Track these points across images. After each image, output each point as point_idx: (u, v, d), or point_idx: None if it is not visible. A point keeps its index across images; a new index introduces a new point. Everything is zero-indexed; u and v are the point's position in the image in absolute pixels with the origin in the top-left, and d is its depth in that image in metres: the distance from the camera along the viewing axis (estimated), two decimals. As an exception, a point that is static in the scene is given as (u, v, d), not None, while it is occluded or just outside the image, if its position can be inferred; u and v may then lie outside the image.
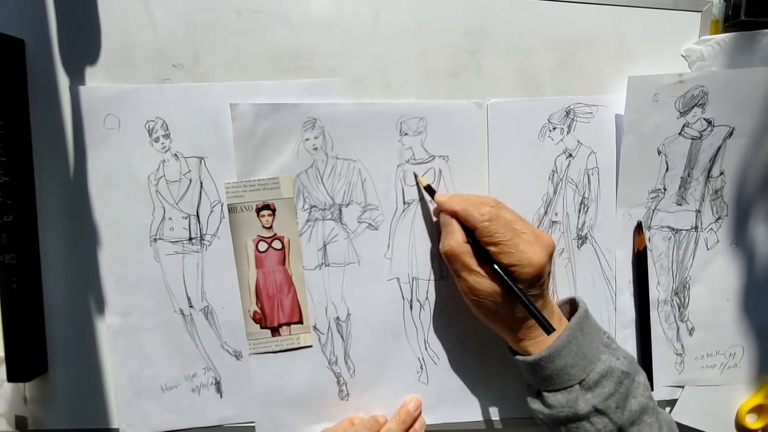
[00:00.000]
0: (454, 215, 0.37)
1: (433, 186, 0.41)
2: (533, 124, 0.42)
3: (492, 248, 0.35)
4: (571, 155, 0.43)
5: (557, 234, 0.44)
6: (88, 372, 0.42)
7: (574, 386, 0.36)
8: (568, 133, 0.43)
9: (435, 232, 0.43)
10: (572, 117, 0.43)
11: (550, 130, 0.43)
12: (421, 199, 0.42)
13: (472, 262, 0.36)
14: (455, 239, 0.37)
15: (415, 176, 0.42)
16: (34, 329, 0.40)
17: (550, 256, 0.37)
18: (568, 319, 0.38)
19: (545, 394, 0.37)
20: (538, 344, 0.37)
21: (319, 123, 0.41)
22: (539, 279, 0.36)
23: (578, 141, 0.43)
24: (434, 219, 0.43)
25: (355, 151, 0.41)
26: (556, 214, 0.44)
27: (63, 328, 0.41)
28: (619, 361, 0.37)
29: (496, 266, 0.35)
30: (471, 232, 0.37)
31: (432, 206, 0.42)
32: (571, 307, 0.40)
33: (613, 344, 0.38)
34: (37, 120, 0.40)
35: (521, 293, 0.35)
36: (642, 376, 0.38)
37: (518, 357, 0.38)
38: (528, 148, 0.43)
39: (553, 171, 0.43)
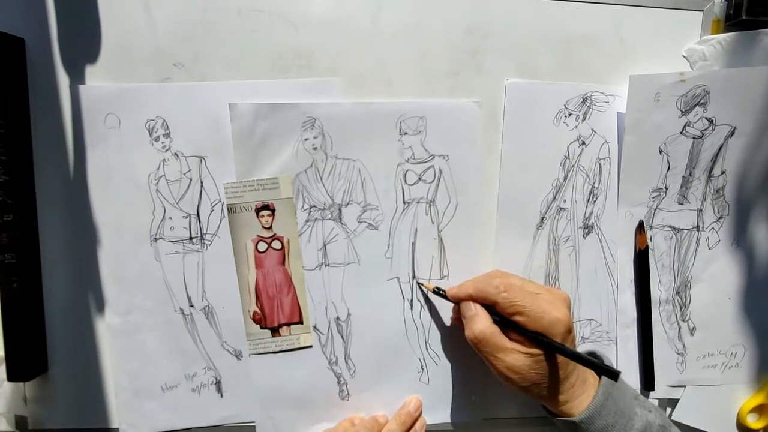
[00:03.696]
0: (471, 298, 0.38)
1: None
2: (549, 108, 0.42)
3: (519, 318, 0.36)
4: (584, 143, 0.43)
5: (564, 221, 0.44)
6: (88, 372, 0.42)
7: None
8: (583, 120, 0.43)
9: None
10: (588, 105, 0.42)
11: (565, 116, 0.42)
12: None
13: (504, 340, 0.36)
14: (482, 323, 0.36)
15: (420, 285, 0.42)
16: (34, 329, 0.40)
17: (570, 308, 0.37)
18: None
19: None
20: (578, 406, 0.36)
21: (319, 123, 0.41)
22: (569, 332, 0.36)
23: (593, 129, 0.43)
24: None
25: (354, 151, 0.41)
26: (565, 201, 0.44)
27: (63, 328, 0.41)
28: (652, 414, 0.37)
29: (532, 334, 0.35)
30: (491, 311, 0.37)
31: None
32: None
33: (639, 396, 0.39)
34: (37, 119, 0.40)
35: (564, 348, 0.35)
36: (675, 429, 0.38)
37: (559, 418, 0.37)
38: (542, 131, 0.43)
39: (565, 157, 0.43)
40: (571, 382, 0.37)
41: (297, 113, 0.40)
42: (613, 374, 0.34)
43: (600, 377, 0.37)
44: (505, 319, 0.37)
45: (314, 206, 0.42)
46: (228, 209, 0.41)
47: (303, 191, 0.41)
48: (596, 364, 0.35)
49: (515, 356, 0.36)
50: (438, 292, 0.41)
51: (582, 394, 0.37)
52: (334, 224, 0.42)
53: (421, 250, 0.43)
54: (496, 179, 0.43)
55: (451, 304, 0.42)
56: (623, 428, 0.36)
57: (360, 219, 0.42)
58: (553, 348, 0.35)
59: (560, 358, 0.36)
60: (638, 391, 0.44)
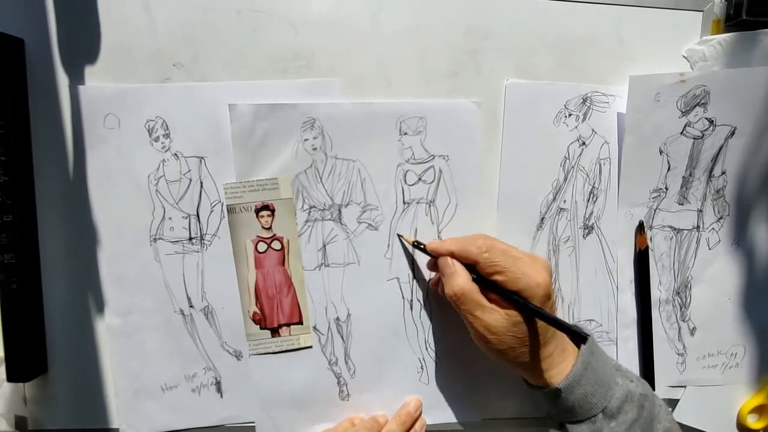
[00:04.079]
0: (451, 256, 0.37)
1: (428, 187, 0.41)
2: (549, 109, 0.42)
3: (498, 277, 0.35)
4: (584, 143, 0.43)
5: (564, 221, 0.44)
6: (88, 372, 0.42)
7: (597, 415, 0.35)
8: (583, 120, 0.43)
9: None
10: (589, 105, 0.42)
11: (565, 116, 0.42)
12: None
13: (482, 299, 0.36)
14: (461, 279, 0.36)
15: (399, 237, 0.42)
16: (34, 329, 0.40)
17: (551, 275, 0.37)
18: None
19: (569, 426, 0.37)
20: (557, 375, 0.36)
21: (318, 123, 0.40)
22: (549, 299, 0.36)
23: (593, 130, 0.43)
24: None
25: (354, 151, 0.41)
26: (565, 201, 0.44)
27: (63, 328, 0.41)
28: (634, 384, 0.37)
29: (510, 293, 0.35)
30: (471, 270, 0.37)
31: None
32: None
33: (621, 367, 0.38)
34: (37, 120, 0.40)
35: (542, 311, 0.35)
36: (659, 399, 0.38)
37: (539, 389, 0.37)
38: (542, 132, 0.43)
39: (565, 157, 0.43)
40: (549, 350, 0.36)
41: (297, 114, 0.40)
42: (582, 337, 0.34)
43: (579, 348, 0.37)
44: (483, 279, 0.36)
45: (314, 207, 0.42)
46: (228, 209, 0.41)
47: (303, 191, 0.41)
48: (567, 326, 0.34)
49: (493, 316, 0.35)
50: (418, 245, 0.40)
51: (561, 363, 0.36)
52: (334, 225, 0.42)
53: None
54: (496, 180, 0.43)
55: (448, 304, 0.42)
56: (603, 397, 0.35)
57: (360, 219, 0.42)
58: (529, 309, 0.35)
59: (539, 324, 0.35)
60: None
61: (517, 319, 0.35)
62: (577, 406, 0.36)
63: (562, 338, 0.37)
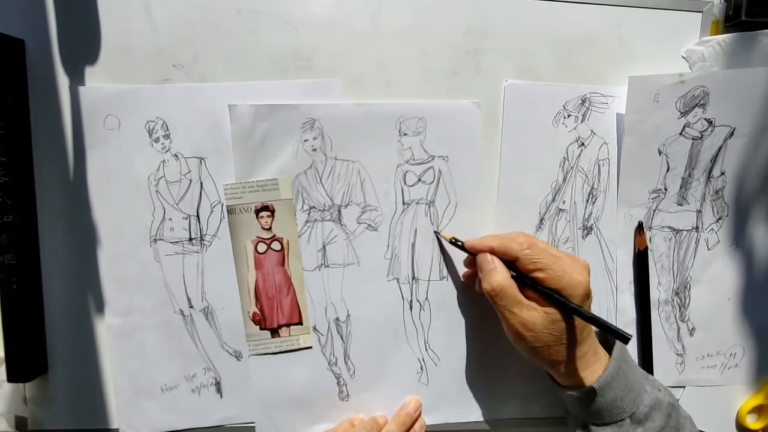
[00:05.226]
0: (492, 252, 0.37)
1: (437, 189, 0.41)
2: (548, 110, 0.42)
3: (539, 274, 0.35)
4: (583, 144, 0.43)
5: (563, 222, 0.44)
6: (88, 372, 0.42)
7: (624, 420, 0.35)
8: (582, 121, 0.43)
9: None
10: (587, 106, 0.43)
11: (564, 117, 0.42)
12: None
13: (520, 295, 0.36)
14: (500, 275, 0.36)
15: (437, 233, 0.42)
16: (34, 329, 0.40)
17: (589, 275, 0.37)
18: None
19: (594, 428, 0.37)
20: (590, 376, 0.36)
21: (318, 124, 0.41)
22: (588, 298, 0.36)
23: (591, 131, 0.43)
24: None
25: (354, 152, 0.41)
26: (564, 202, 0.44)
27: (63, 328, 0.41)
28: (662, 393, 0.37)
29: (551, 291, 0.35)
30: (510, 267, 0.37)
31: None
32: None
33: (649, 375, 0.38)
34: (37, 120, 0.40)
35: (582, 310, 0.34)
36: (684, 410, 0.38)
37: (569, 392, 0.37)
38: (541, 133, 0.43)
39: (564, 158, 0.43)
40: (583, 351, 0.36)
41: (296, 114, 0.40)
42: (625, 338, 0.34)
43: (610, 354, 0.37)
44: (523, 276, 0.36)
45: (314, 207, 0.42)
46: (227, 210, 0.41)
47: (302, 192, 0.41)
48: (609, 326, 0.34)
49: (531, 312, 0.35)
50: (456, 243, 0.40)
51: (594, 364, 0.36)
52: (334, 225, 0.42)
53: (421, 251, 0.43)
54: (495, 180, 0.43)
55: (452, 300, 0.42)
56: (632, 402, 0.35)
57: (359, 220, 0.42)
58: (569, 308, 0.35)
59: (576, 323, 0.35)
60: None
61: (556, 317, 0.35)
62: (605, 409, 0.35)
63: (596, 340, 0.37)
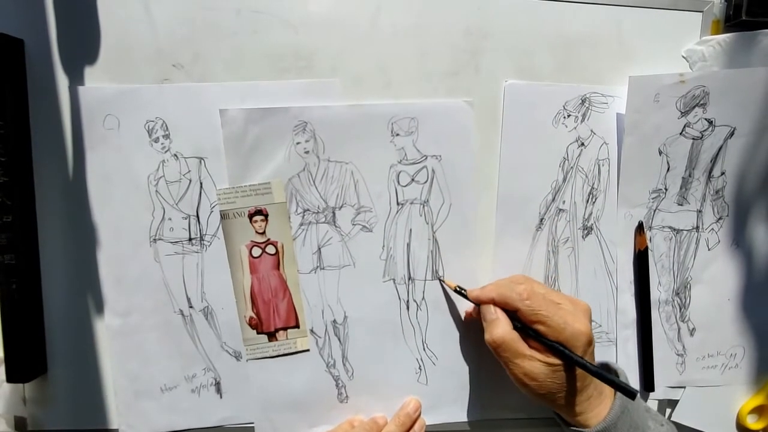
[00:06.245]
0: (493, 303, 0.38)
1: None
2: (548, 110, 0.42)
3: (540, 327, 0.36)
4: (583, 144, 0.43)
5: (563, 222, 0.44)
6: (87, 372, 0.42)
7: None
8: (582, 121, 0.43)
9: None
10: (587, 106, 0.42)
11: (564, 117, 0.42)
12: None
13: (523, 347, 0.36)
14: (503, 327, 0.36)
15: (441, 281, 0.43)
16: (34, 329, 0.40)
17: (590, 320, 0.37)
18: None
19: None
20: (594, 417, 0.36)
21: (310, 126, 0.40)
22: (590, 345, 0.36)
23: (591, 131, 0.43)
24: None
25: (347, 153, 0.41)
26: (564, 202, 0.44)
27: (63, 328, 0.41)
28: (665, 428, 0.37)
29: (553, 344, 0.35)
30: (512, 316, 0.37)
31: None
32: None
33: (651, 409, 0.39)
34: (36, 120, 0.40)
35: (586, 363, 0.35)
36: None
37: (574, 429, 0.37)
38: (541, 133, 0.43)
39: (564, 158, 0.43)
40: (588, 394, 0.37)
41: (288, 117, 0.40)
42: (631, 394, 0.34)
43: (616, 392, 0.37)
44: (526, 326, 0.36)
45: (308, 210, 0.42)
46: (221, 215, 0.41)
47: (296, 195, 0.41)
48: (615, 382, 0.35)
49: (533, 363, 0.36)
50: (460, 291, 0.41)
51: (598, 405, 0.37)
52: (329, 227, 0.42)
53: (416, 251, 0.43)
54: (495, 180, 0.43)
55: (448, 299, 0.43)
56: None
57: (354, 221, 0.42)
58: (572, 361, 0.35)
59: (578, 370, 0.36)
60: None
61: (558, 367, 0.35)
62: None
63: (599, 382, 0.37)
